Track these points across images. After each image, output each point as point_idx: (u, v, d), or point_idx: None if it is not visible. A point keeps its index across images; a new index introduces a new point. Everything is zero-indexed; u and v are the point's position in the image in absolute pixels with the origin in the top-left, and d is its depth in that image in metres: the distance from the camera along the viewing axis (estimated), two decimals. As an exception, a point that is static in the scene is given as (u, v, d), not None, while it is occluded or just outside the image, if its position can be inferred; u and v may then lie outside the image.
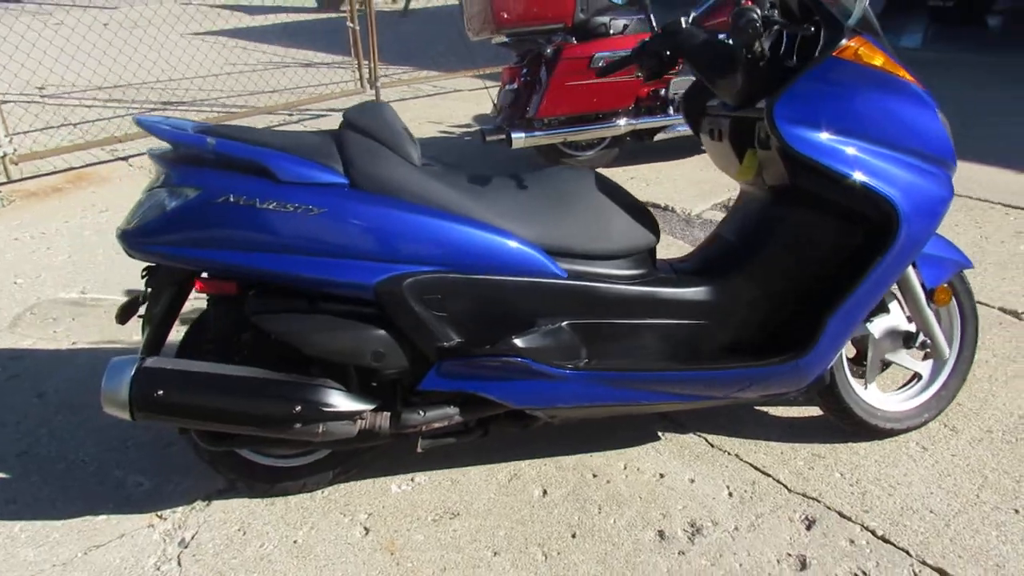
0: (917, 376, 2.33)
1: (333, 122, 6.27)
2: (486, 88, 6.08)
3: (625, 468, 2.20)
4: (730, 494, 2.09)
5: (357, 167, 1.77)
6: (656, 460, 2.23)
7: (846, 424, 2.24)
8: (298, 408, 1.73)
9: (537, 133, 4.40)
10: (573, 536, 1.96)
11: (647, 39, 2.16)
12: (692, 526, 1.99)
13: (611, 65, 2.29)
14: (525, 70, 4.48)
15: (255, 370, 1.77)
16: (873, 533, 1.95)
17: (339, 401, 1.76)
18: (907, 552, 1.89)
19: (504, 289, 1.82)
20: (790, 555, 1.89)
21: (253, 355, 1.88)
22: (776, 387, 2.01)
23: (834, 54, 1.83)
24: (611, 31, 4.40)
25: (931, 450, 2.25)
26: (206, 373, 1.73)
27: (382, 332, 1.78)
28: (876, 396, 2.25)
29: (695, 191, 4.46)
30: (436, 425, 1.89)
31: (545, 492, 2.12)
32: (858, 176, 1.84)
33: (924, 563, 1.85)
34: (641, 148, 5.04)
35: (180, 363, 1.76)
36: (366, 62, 6.42)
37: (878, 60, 1.85)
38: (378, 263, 1.74)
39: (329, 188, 1.74)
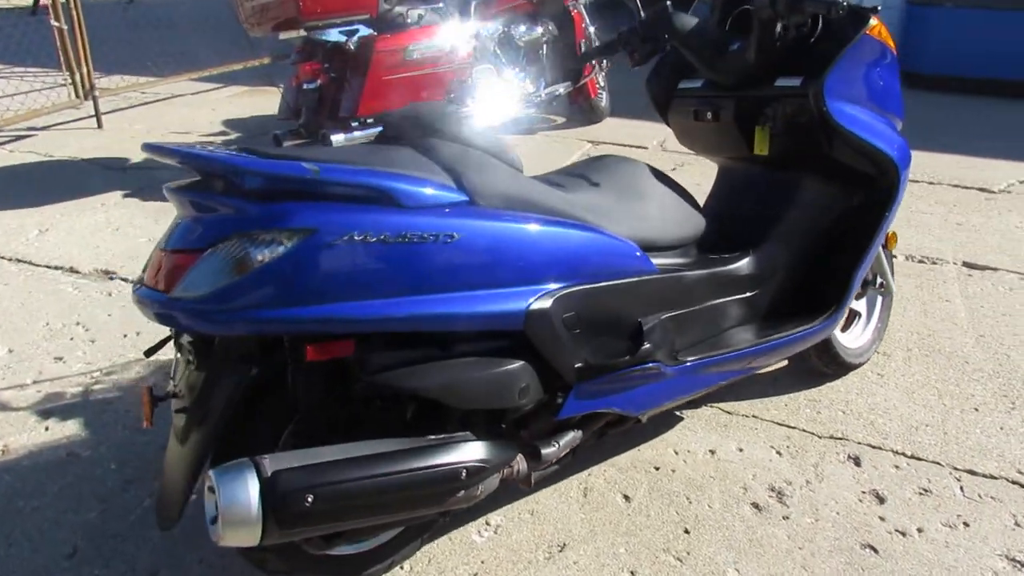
0: (858, 315, 2.65)
1: (43, 142, 5.19)
2: (278, 87, 5.46)
3: (677, 454, 2.20)
4: (779, 453, 2.21)
5: (472, 181, 1.52)
6: (696, 439, 2.26)
7: (828, 367, 2.47)
8: (464, 473, 1.45)
9: (357, 133, 4.06)
10: (687, 532, 1.93)
11: (634, 24, 2.14)
12: (774, 491, 2.06)
13: (594, 50, 2.23)
14: (326, 65, 4.12)
15: (398, 442, 1.44)
16: (904, 455, 2.20)
17: (493, 453, 1.51)
18: (939, 463, 2.17)
19: (619, 294, 1.71)
20: (864, 492, 2.06)
21: (359, 424, 1.53)
22: (809, 344, 2.16)
23: (866, 32, 1.98)
24: (408, 21, 4.23)
25: (886, 375, 2.58)
26: (356, 461, 1.37)
27: (523, 365, 1.56)
28: (844, 338, 2.53)
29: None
30: (564, 453, 1.72)
31: (627, 497, 2.04)
32: (874, 141, 2.04)
33: (955, 468, 2.14)
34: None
35: (310, 455, 1.36)
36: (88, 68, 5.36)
37: (886, 35, 2.06)
38: (525, 287, 1.52)
39: (456, 209, 1.47)
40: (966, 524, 1.96)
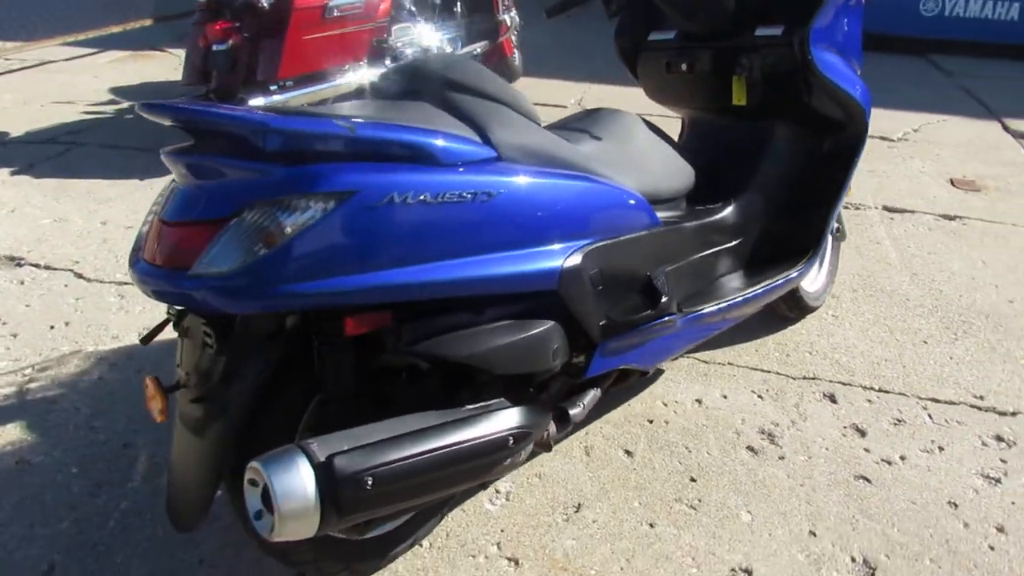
0: (815, 259, 2.74)
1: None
2: (166, 52, 5.05)
3: (666, 406, 2.23)
4: (760, 397, 2.27)
5: (497, 135, 1.44)
6: (681, 390, 2.29)
7: (792, 311, 2.56)
8: (511, 440, 1.40)
9: (276, 97, 3.85)
10: (693, 480, 1.96)
11: None
12: (764, 433, 2.12)
13: (562, 4, 2.17)
14: (238, 24, 3.85)
15: (440, 415, 1.37)
16: (872, 389, 2.31)
17: (533, 418, 1.47)
18: (904, 395, 2.29)
19: (635, 248, 1.69)
20: (846, 427, 2.15)
21: (386, 401, 1.44)
22: (790, 288, 2.22)
23: None
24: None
25: (840, 316, 2.70)
26: (408, 438, 1.29)
27: (555, 325, 1.52)
28: (804, 282, 2.62)
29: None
30: (587, 413, 1.70)
31: (629, 452, 2.05)
32: (847, 88, 2.09)
33: (920, 397, 2.28)
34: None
35: (357, 436, 1.27)
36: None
37: None
38: (558, 245, 1.47)
39: (488, 166, 1.39)
40: (941, 448, 2.08)
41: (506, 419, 1.40)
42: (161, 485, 1.89)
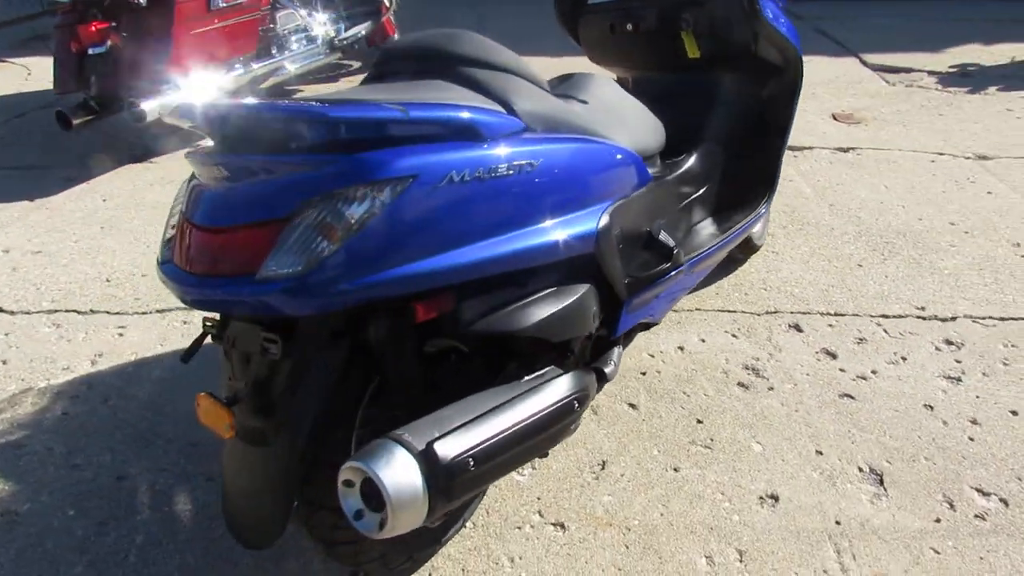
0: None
1: None
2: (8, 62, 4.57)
3: (653, 356, 2.31)
4: (734, 336, 2.40)
5: (522, 107, 1.43)
6: (661, 340, 2.38)
7: (742, 252, 2.70)
8: (576, 404, 1.42)
9: (171, 96, 3.61)
10: (700, 421, 2.05)
11: None
12: (748, 368, 2.25)
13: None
14: (114, 24, 3.57)
15: (507, 390, 1.36)
16: (829, 314, 2.49)
17: (584, 380, 1.49)
18: (858, 315, 2.48)
19: (641, 204, 1.73)
20: (817, 352, 2.31)
21: (445, 380, 1.43)
22: (754, 228, 2.33)
23: None
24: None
25: (780, 252, 2.87)
26: (491, 415, 1.28)
27: (590, 288, 1.54)
28: (749, 223, 2.76)
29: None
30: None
31: (633, 406, 2.11)
32: (787, 35, 2.21)
33: (871, 315, 2.47)
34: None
35: (440, 421, 1.25)
36: None
37: None
38: (590, 208, 1.48)
39: (522, 136, 1.39)
40: (903, 359, 2.27)
41: (566, 385, 1.42)
42: (174, 512, 1.78)
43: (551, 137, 1.45)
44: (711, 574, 1.63)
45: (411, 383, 1.37)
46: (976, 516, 1.75)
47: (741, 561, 1.66)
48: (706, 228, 2.14)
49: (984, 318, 2.45)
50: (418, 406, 1.35)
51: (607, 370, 1.67)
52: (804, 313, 2.49)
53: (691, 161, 2.17)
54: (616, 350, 1.75)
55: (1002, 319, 2.45)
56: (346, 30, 4.77)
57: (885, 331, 2.40)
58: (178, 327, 2.47)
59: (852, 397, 2.12)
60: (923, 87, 4.87)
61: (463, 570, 1.65)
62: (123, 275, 2.78)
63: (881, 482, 1.85)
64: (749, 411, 2.08)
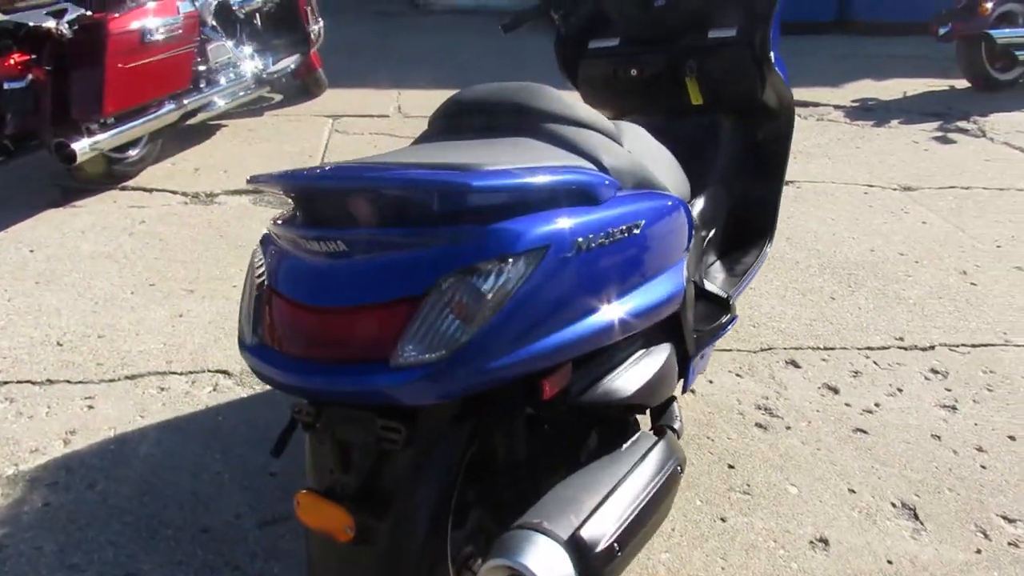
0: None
1: None
2: None
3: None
4: (738, 375, 2.43)
5: (609, 164, 1.38)
6: (671, 382, 2.37)
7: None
8: (679, 468, 1.37)
9: (100, 137, 3.33)
10: (731, 467, 2.05)
11: None
12: (761, 408, 2.27)
13: (517, 18, 2.12)
14: (34, 56, 3.26)
15: (615, 459, 1.30)
16: (819, 348, 2.57)
17: (674, 443, 1.44)
18: (845, 348, 2.57)
19: (692, 255, 1.71)
20: (819, 388, 2.37)
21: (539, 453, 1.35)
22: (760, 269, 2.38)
23: None
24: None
25: (757, 288, 2.95)
26: (616, 493, 1.21)
27: (670, 346, 1.50)
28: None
29: (291, 162, 4.08)
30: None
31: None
32: (786, 79, 2.27)
33: (858, 348, 2.57)
34: (172, 135, 4.23)
35: (569, 502, 1.17)
36: None
37: None
38: (674, 265, 1.45)
39: (621, 196, 1.34)
40: (900, 390, 2.37)
41: (667, 451, 1.37)
42: (206, 613, 1.60)
43: (642, 194, 1.41)
44: (788, 628, 1.61)
45: (519, 462, 1.29)
46: (1010, 544, 1.83)
47: (812, 611, 1.65)
48: (719, 273, 2.16)
49: (958, 346, 2.59)
50: (521, 486, 1.28)
51: (677, 427, 1.63)
52: (796, 348, 2.56)
53: (700, 203, 2.18)
54: (675, 406, 1.71)
55: (974, 346, 2.59)
56: (273, 63, 4.58)
57: (875, 363, 2.49)
58: (155, 395, 2.25)
59: (865, 432, 2.18)
60: (833, 120, 5.17)
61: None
62: (76, 337, 2.51)
63: (916, 516, 1.90)
64: (774, 452, 2.10)
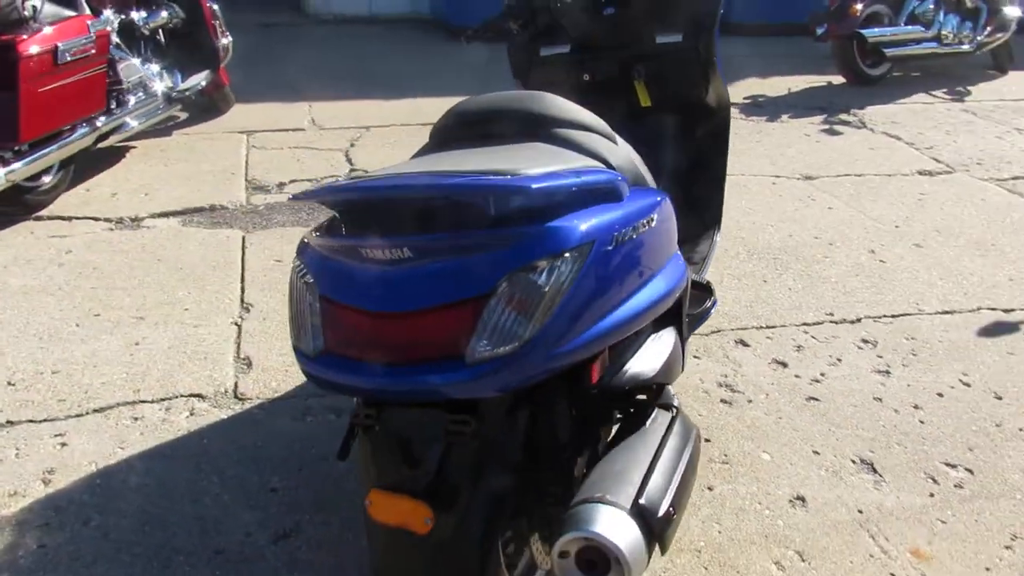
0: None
1: None
2: None
3: (637, 386, 2.44)
4: (697, 357, 2.60)
5: (616, 164, 1.50)
6: (637, 369, 2.52)
7: None
8: (701, 439, 1.50)
9: (15, 166, 3.17)
10: (708, 440, 2.21)
11: None
12: (723, 386, 2.45)
13: (480, 29, 2.21)
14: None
15: (647, 434, 1.40)
16: (761, 328, 2.78)
17: (687, 418, 1.57)
18: (785, 326, 2.79)
19: None
20: (770, 363, 2.57)
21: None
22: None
23: None
24: (26, 14, 3.33)
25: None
26: (658, 461, 1.32)
27: (675, 329, 1.63)
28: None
29: (213, 181, 3.98)
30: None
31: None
32: (724, 80, 2.45)
33: (795, 325, 2.79)
34: (83, 158, 4.04)
35: (621, 471, 1.26)
36: None
37: None
38: (675, 252, 1.57)
39: (633, 193, 1.45)
40: (839, 360, 2.60)
41: (685, 422, 1.49)
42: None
43: (645, 190, 1.53)
44: (786, 578, 1.77)
45: (563, 446, 1.38)
46: (956, 486, 2.06)
47: (803, 561, 1.82)
48: None
49: (881, 317, 2.87)
50: (560, 468, 1.37)
51: (677, 404, 1.76)
52: (743, 329, 2.76)
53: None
54: (670, 388, 1.84)
55: (894, 316, 2.87)
56: (182, 80, 4.46)
57: (813, 338, 2.72)
58: (130, 426, 2.19)
59: (817, 399, 2.39)
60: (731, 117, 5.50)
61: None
62: (28, 376, 2.40)
63: (875, 470, 2.11)
64: (742, 424, 2.27)
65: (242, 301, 2.86)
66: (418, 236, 1.15)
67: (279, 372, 2.44)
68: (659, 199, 1.54)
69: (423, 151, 1.63)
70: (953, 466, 2.13)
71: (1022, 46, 6.97)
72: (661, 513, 1.22)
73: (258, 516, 1.89)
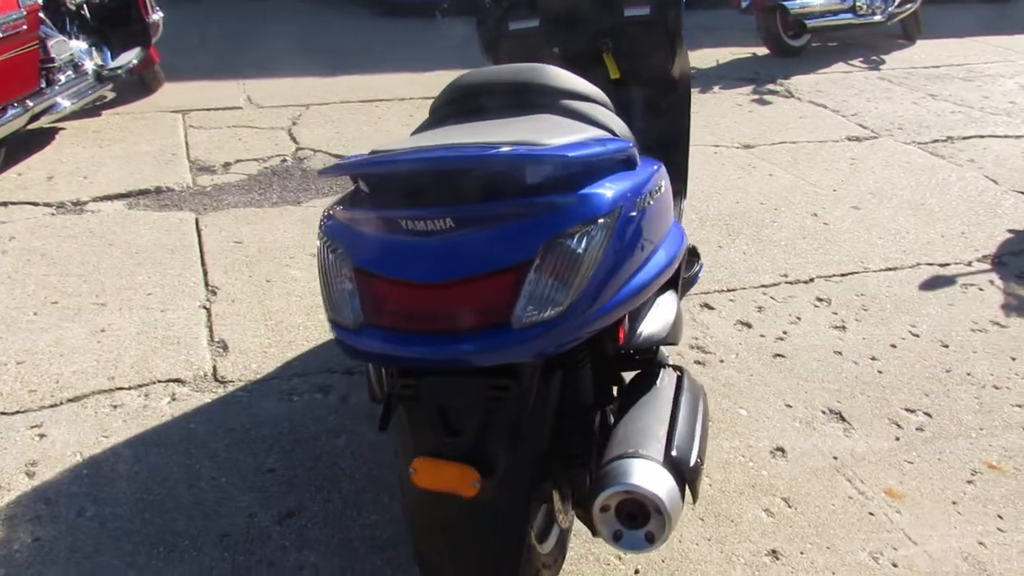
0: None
1: None
2: None
3: (614, 351, 2.51)
4: (666, 321, 2.68)
5: (618, 132, 1.54)
6: (611, 335, 2.59)
7: None
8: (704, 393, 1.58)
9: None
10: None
11: None
12: (695, 348, 2.55)
13: (454, 4, 2.21)
14: None
15: (659, 393, 1.46)
16: (724, 291, 2.89)
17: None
18: (744, 288, 2.92)
19: None
20: (736, 324, 2.69)
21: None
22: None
23: None
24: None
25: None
26: (680, 415, 1.38)
27: (673, 292, 1.70)
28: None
29: (154, 162, 3.84)
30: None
31: (626, 398, 2.30)
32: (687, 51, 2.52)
33: (755, 287, 2.92)
34: (13, 141, 3.82)
35: (645, 428, 1.32)
36: None
37: None
38: (672, 217, 1.63)
39: (644, 159, 1.50)
40: (799, 318, 2.74)
41: (692, 378, 1.56)
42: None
43: (649, 159, 1.58)
44: (776, 523, 1.88)
45: (588, 407, 1.43)
46: (918, 429, 2.22)
47: (790, 507, 1.93)
48: None
49: (831, 276, 3.02)
50: (588, 430, 1.42)
51: (672, 364, 1.84)
52: (706, 293, 2.86)
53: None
54: (663, 349, 1.92)
55: (843, 275, 3.03)
56: (113, 58, 4.27)
57: (772, 298, 2.85)
58: (111, 414, 2.13)
59: (783, 356, 2.52)
60: (665, 89, 5.62)
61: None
62: (-10, 367, 2.30)
63: (843, 419, 2.25)
64: (717, 383, 2.38)
65: (206, 284, 2.80)
66: (463, 206, 1.17)
67: (258, 354, 2.41)
68: (658, 166, 1.59)
69: (426, 126, 1.63)
70: (913, 411, 2.29)
71: (929, 16, 7.34)
72: (692, 463, 1.28)
73: (258, 497, 1.88)
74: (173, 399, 2.21)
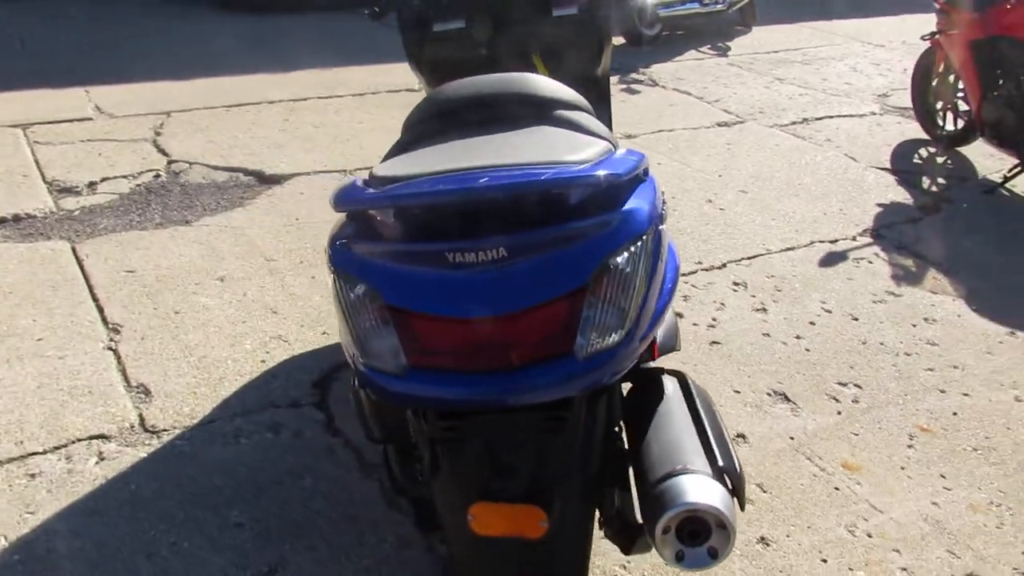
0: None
1: None
2: None
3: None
4: (602, 319, 2.70)
5: (609, 138, 1.51)
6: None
7: None
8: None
9: None
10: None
11: None
12: (637, 343, 2.58)
13: (385, 5, 2.09)
14: None
15: (673, 402, 1.46)
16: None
17: None
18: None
19: None
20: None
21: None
22: None
23: None
24: None
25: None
26: (710, 426, 1.37)
27: None
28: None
29: (1, 185, 3.40)
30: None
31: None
32: None
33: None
34: None
35: (677, 440, 1.31)
36: None
37: None
38: None
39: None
40: (723, 304, 2.84)
41: (694, 382, 1.57)
42: None
43: (633, 151, 1.56)
44: (758, 510, 1.94)
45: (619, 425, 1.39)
46: (854, 401, 2.37)
47: (765, 492, 2.00)
48: None
49: (740, 260, 3.16)
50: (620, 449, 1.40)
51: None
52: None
53: None
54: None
55: (750, 258, 3.18)
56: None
57: (693, 286, 2.94)
58: (30, 484, 1.87)
59: (719, 343, 2.60)
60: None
61: None
62: None
63: (788, 399, 2.36)
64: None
65: (105, 322, 2.51)
66: (518, 234, 1.10)
67: (187, 395, 2.19)
68: (646, 164, 1.58)
69: (406, 144, 1.52)
70: (845, 384, 2.43)
71: (763, 3, 7.85)
72: (738, 470, 1.28)
73: (232, 557, 1.71)
74: (101, 458, 1.96)
